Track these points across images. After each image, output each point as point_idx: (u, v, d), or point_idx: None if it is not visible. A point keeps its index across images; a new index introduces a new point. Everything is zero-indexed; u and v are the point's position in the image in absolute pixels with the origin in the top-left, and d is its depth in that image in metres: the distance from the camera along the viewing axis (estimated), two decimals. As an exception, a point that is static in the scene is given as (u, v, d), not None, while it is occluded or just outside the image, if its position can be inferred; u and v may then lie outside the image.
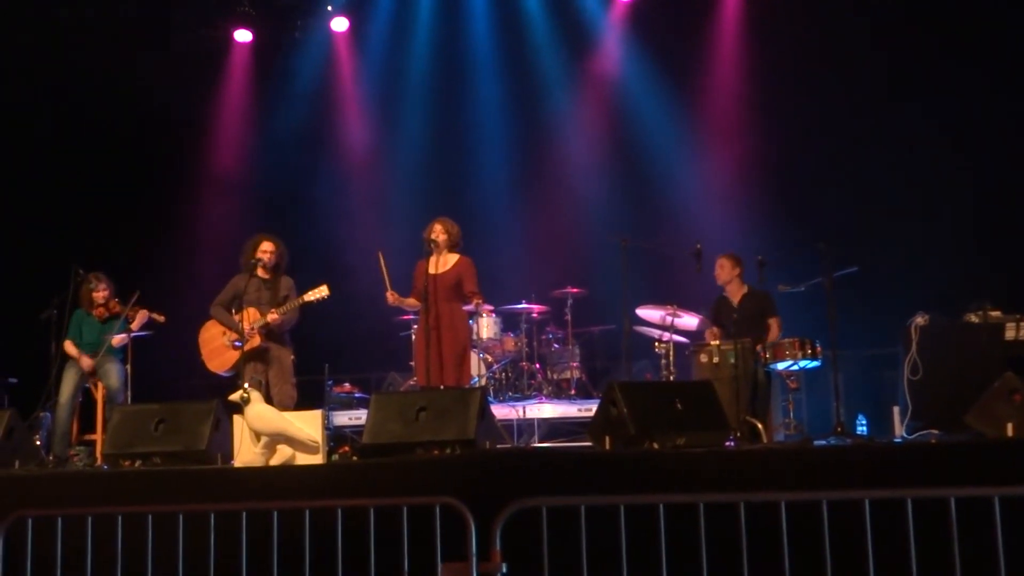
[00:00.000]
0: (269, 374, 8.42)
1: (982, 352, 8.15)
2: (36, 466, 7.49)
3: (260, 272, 8.50)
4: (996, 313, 8.45)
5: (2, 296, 10.94)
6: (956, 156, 10.64)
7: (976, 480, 4.99)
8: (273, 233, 8.73)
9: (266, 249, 8.52)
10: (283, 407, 7.99)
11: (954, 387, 7.91)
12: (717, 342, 8.88)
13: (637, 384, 8.80)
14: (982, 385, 7.17)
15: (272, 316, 8.27)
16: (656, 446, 6.32)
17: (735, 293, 9.21)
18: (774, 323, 8.94)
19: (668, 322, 9.25)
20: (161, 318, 9.08)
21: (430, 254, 8.51)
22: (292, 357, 8.58)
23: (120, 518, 5.08)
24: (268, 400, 8.07)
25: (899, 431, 8.39)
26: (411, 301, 8.65)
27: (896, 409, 8.63)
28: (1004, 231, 10.39)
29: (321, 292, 8.29)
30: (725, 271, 9.20)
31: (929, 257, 10.46)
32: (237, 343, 8.24)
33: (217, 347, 8.55)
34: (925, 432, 7.89)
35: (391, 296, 8.60)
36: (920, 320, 8.51)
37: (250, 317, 8.29)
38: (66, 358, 8.93)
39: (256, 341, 8.33)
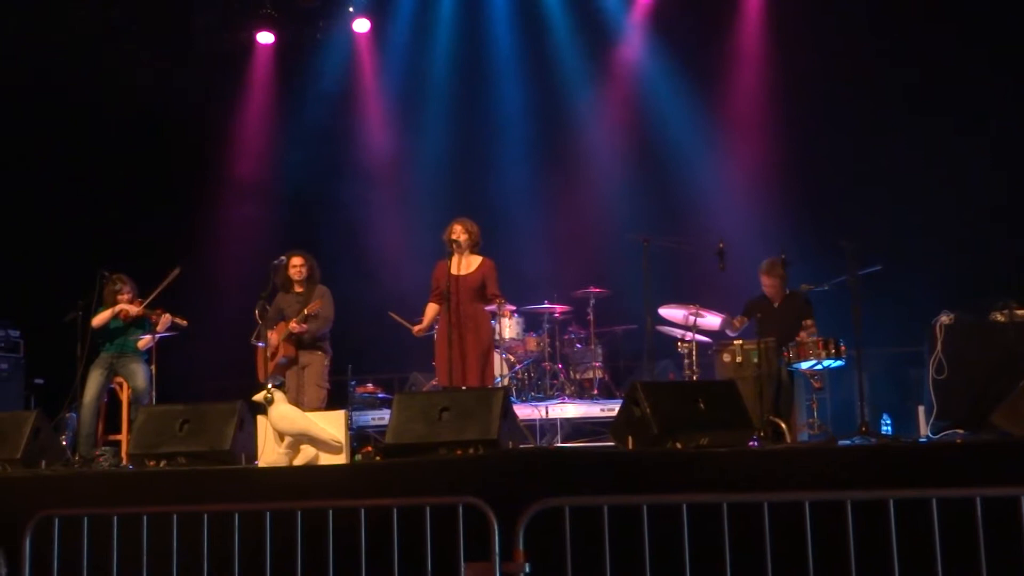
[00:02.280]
0: (303, 378, 8.70)
1: (1008, 351, 8.06)
2: (62, 466, 7.54)
3: (295, 288, 8.87)
4: (1022, 312, 8.37)
5: (28, 298, 11.03)
6: (981, 153, 10.56)
7: (1002, 480, 4.95)
8: (299, 247, 9.02)
9: (295, 264, 8.87)
10: (311, 409, 8.15)
11: (980, 386, 7.84)
12: (739, 324, 8.96)
13: (660, 384, 8.77)
14: (1008, 384, 7.12)
15: (292, 326, 8.58)
16: (679, 446, 6.30)
17: (776, 296, 9.14)
18: (810, 324, 8.85)
19: (691, 321, 9.21)
20: (184, 323, 9.14)
21: (451, 255, 8.51)
22: (327, 362, 8.84)
23: (145, 518, 5.12)
24: (300, 404, 8.27)
25: (924, 431, 8.33)
26: (430, 314, 8.71)
27: (921, 408, 8.57)
28: (1030, 229, 10.32)
29: (316, 304, 8.59)
30: (778, 286, 9.12)
31: (954, 255, 10.39)
32: (260, 343, 8.40)
33: (260, 360, 8.86)
34: (951, 432, 7.83)
35: (417, 330, 8.81)
36: (945, 319, 8.43)
37: (280, 331, 8.69)
38: (91, 359, 8.99)
39: (283, 352, 8.67)
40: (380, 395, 11.16)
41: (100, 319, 8.97)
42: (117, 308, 9.00)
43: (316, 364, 8.73)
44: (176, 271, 8.95)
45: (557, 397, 10.59)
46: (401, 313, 9.90)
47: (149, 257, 9.87)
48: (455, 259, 8.52)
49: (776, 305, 9.08)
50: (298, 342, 8.69)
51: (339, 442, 6.93)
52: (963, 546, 4.28)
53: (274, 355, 8.64)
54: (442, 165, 12.69)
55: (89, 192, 12.05)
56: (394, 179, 13.03)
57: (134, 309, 9.02)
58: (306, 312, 8.53)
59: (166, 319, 9.04)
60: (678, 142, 12.25)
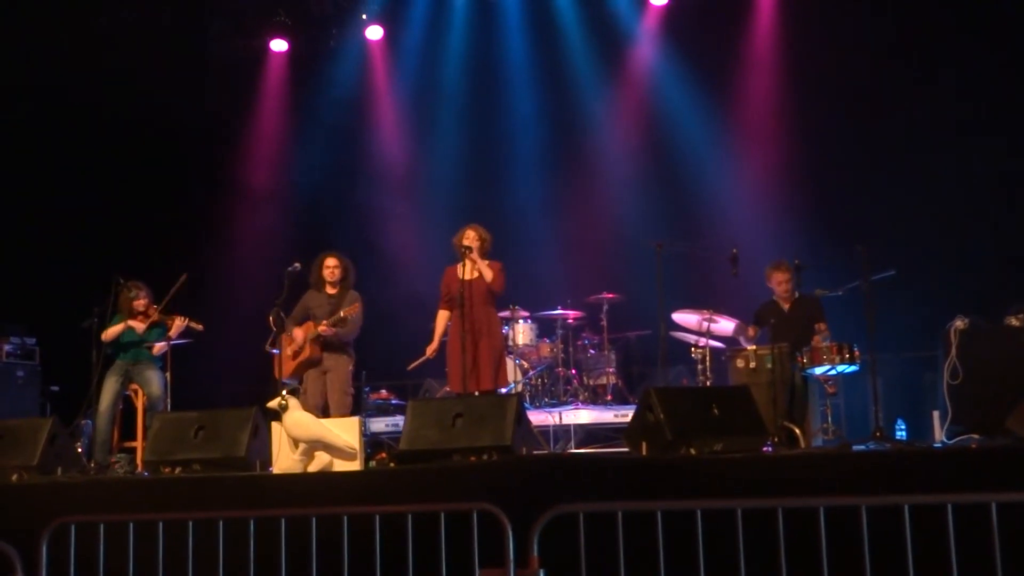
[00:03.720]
0: (326, 382, 8.73)
1: (1023, 355, 8.04)
2: (78, 473, 7.57)
3: (327, 288, 8.89)
4: (1037, 316, 8.34)
5: (44, 305, 11.08)
6: (994, 157, 10.53)
7: (1018, 486, 4.94)
8: (336, 249, 9.09)
9: (329, 264, 8.92)
10: (337, 415, 8.26)
11: (995, 391, 7.80)
12: (753, 333, 8.93)
13: (674, 389, 8.76)
14: (1023, 389, 7.08)
15: (322, 328, 8.60)
16: (693, 451, 6.30)
17: (786, 299, 9.13)
18: (823, 327, 8.84)
19: (704, 327, 9.21)
20: (199, 326, 9.17)
21: (461, 260, 8.52)
22: (350, 367, 8.87)
23: (161, 525, 5.14)
24: (325, 408, 8.39)
25: (939, 436, 8.29)
26: (441, 322, 8.74)
27: (936, 414, 8.53)
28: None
29: (353, 308, 8.59)
30: (789, 285, 9.09)
31: (968, 259, 10.36)
32: (275, 350, 8.43)
33: (282, 357, 8.81)
34: (965, 437, 7.79)
35: (431, 350, 8.85)
36: (960, 323, 8.39)
37: (307, 330, 8.71)
38: (106, 366, 9.03)
39: (308, 352, 8.68)
40: (394, 401, 11.17)
41: (110, 334, 9.01)
42: (125, 325, 9.03)
43: (340, 369, 8.74)
44: (183, 277, 8.99)
45: (570, 403, 10.59)
46: (414, 317, 9.95)
47: (164, 264, 9.93)
48: (467, 264, 8.52)
49: (787, 309, 9.07)
50: (324, 344, 8.71)
51: (353, 448, 6.94)
52: (978, 552, 4.26)
53: (297, 353, 8.65)
54: (455, 171, 12.70)
55: (104, 199, 12.09)
56: (408, 185, 13.05)
57: (141, 326, 9.05)
58: (342, 314, 8.52)
59: (180, 324, 9.07)
60: (691, 147, 12.24)
